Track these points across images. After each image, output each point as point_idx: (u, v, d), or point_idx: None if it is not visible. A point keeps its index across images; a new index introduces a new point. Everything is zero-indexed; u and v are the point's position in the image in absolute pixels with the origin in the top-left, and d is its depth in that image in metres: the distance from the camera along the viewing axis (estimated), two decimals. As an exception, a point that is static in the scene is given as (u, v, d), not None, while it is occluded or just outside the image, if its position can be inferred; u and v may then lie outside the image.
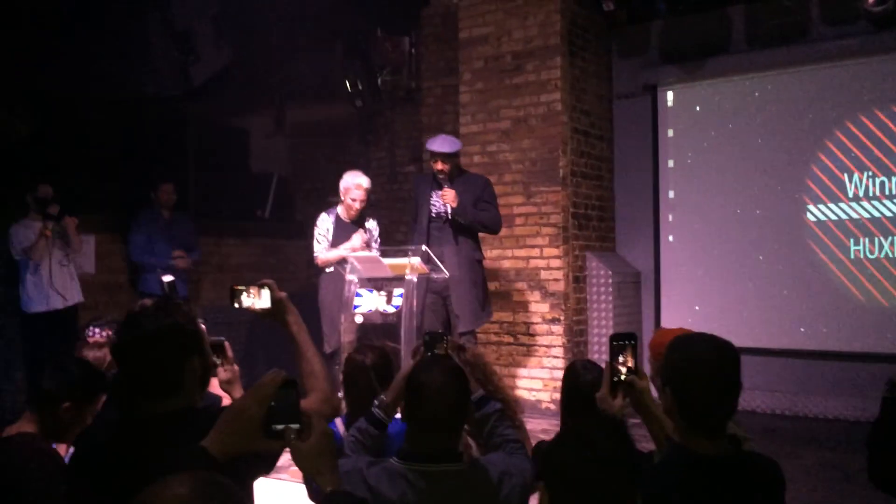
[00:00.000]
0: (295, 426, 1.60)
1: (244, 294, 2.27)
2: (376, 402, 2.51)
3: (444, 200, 5.28)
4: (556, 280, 6.33)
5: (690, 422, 1.94)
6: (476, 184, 5.53)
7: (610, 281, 6.53)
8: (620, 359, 2.19)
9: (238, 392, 2.74)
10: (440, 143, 5.41)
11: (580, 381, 2.89)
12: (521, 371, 6.44)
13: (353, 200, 5.51)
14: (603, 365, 2.31)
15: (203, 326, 2.90)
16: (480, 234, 5.65)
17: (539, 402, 6.31)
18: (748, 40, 6.37)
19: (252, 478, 1.86)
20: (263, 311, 2.25)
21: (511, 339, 6.49)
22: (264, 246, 8.35)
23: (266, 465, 1.83)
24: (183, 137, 7.31)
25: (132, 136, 6.52)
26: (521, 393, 6.41)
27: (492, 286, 6.34)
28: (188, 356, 1.93)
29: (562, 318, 6.29)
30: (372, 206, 8.29)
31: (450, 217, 5.33)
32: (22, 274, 5.92)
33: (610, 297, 6.53)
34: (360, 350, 3.25)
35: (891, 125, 5.86)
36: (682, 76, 6.65)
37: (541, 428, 5.58)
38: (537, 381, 6.35)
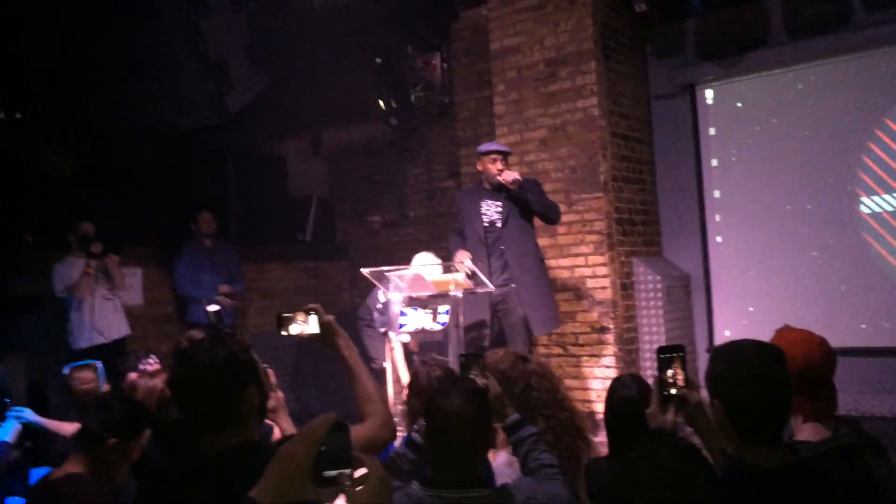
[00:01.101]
0: (347, 471, 1.48)
1: (292, 321, 2.24)
2: (415, 427, 2.45)
3: (506, 179, 5.16)
4: (603, 288, 6.20)
5: (744, 433, 1.86)
6: (531, 182, 5.43)
7: (659, 286, 6.38)
8: (669, 372, 2.11)
9: (284, 420, 2.71)
10: (496, 144, 5.53)
11: (618, 396, 2.80)
12: (574, 383, 6.30)
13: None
14: (649, 377, 2.24)
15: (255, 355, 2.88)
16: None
17: (594, 413, 6.17)
18: (788, 31, 6.20)
19: None
20: (313, 336, 2.22)
21: (561, 351, 6.37)
22: (307, 269, 8.37)
23: None
24: (221, 166, 7.36)
25: (172, 168, 6.59)
26: (575, 404, 6.28)
27: (538, 298, 6.26)
28: (245, 386, 1.90)
29: (611, 326, 6.16)
30: (410, 221, 8.33)
31: (513, 191, 5.17)
32: (68, 311, 6.01)
33: (660, 303, 6.38)
34: (426, 363, 3.18)
35: (944, 109, 5.64)
36: (720, 73, 6.50)
37: (599, 440, 5.46)
38: (591, 393, 6.22)
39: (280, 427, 2.76)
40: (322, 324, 2.22)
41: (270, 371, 2.80)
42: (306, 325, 2.23)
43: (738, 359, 1.90)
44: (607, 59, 6.34)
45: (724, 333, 6.52)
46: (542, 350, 6.37)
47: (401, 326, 5.02)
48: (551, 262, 6.40)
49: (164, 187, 6.63)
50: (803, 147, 6.19)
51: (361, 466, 1.48)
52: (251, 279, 7.59)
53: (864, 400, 5.90)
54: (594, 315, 6.23)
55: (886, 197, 5.88)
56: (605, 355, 6.19)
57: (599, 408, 6.15)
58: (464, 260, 4.99)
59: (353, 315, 6.37)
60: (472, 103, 7.72)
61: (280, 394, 2.76)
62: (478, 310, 5.19)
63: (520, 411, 2.51)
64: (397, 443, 2.94)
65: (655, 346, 6.23)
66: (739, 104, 6.51)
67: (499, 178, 5.22)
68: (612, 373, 6.09)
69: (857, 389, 5.94)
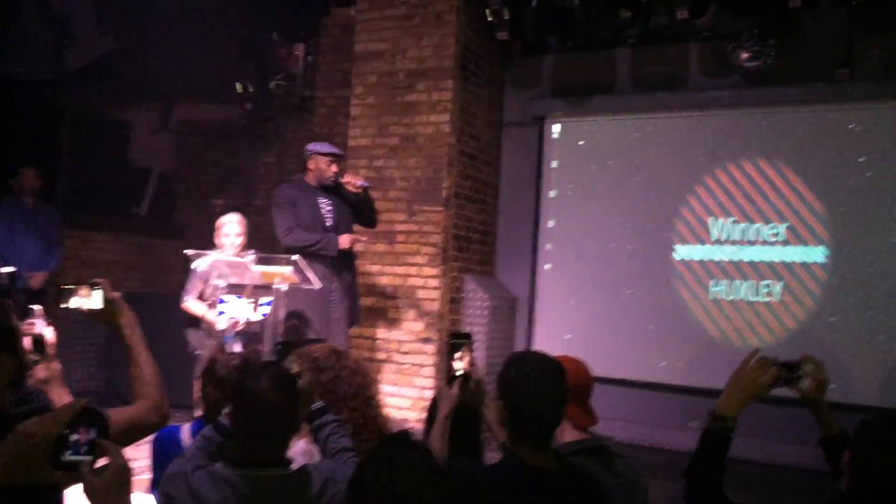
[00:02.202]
0: (89, 458, 1.45)
1: (74, 293, 2.17)
2: (225, 411, 2.45)
3: (353, 183, 5.27)
4: (431, 300, 6.35)
5: (519, 433, 2.10)
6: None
7: (486, 304, 6.60)
8: (457, 354, 2.47)
9: (57, 393, 2.60)
10: (330, 147, 5.52)
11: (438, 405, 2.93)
12: (391, 389, 6.40)
13: (227, 235, 5.32)
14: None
15: (47, 326, 2.74)
16: (357, 248, 5.69)
17: (405, 420, 6.29)
18: (632, 82, 6.64)
19: None
20: (93, 311, 2.16)
21: (384, 356, 6.46)
22: (139, 244, 8.03)
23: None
24: (55, 125, 6.94)
25: (1, 118, 6.15)
26: (390, 411, 6.36)
27: (368, 301, 6.32)
28: None
29: (435, 338, 6.30)
30: (256, 210, 8.16)
31: (360, 197, 5.39)
32: None
33: (485, 321, 6.60)
34: (223, 351, 3.16)
35: (755, 175, 6.21)
36: (568, 110, 6.85)
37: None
38: (406, 400, 6.33)
39: (53, 400, 2.64)
40: (106, 300, 2.16)
41: (47, 339, 2.69)
42: (89, 299, 2.16)
43: (525, 370, 2.13)
44: (465, 80, 6.53)
45: (541, 357, 6.83)
46: (365, 353, 6.43)
47: (220, 313, 4.92)
48: (386, 269, 6.50)
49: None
50: (632, 191, 6.62)
51: (105, 455, 1.47)
52: (73, 247, 7.18)
53: (655, 432, 6.35)
54: (420, 325, 6.36)
55: (697, 247, 6.39)
56: (425, 365, 6.32)
57: (412, 415, 6.30)
58: (357, 237, 5.39)
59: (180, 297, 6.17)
60: (331, 100, 7.70)
61: (56, 364, 2.64)
62: (308, 303, 5.19)
63: (325, 400, 2.57)
64: (184, 429, 2.90)
65: (477, 362, 6.45)
66: (581, 142, 6.88)
67: (336, 179, 5.32)
68: (430, 383, 6.24)
69: (651, 422, 6.39)
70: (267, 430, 2.09)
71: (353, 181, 5.28)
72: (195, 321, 5.35)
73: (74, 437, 1.44)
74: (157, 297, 7.52)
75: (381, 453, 1.60)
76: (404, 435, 1.67)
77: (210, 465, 2.13)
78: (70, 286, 2.18)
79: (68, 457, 1.44)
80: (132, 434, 2.14)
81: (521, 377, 2.12)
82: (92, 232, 7.53)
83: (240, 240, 5.32)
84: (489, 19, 6.36)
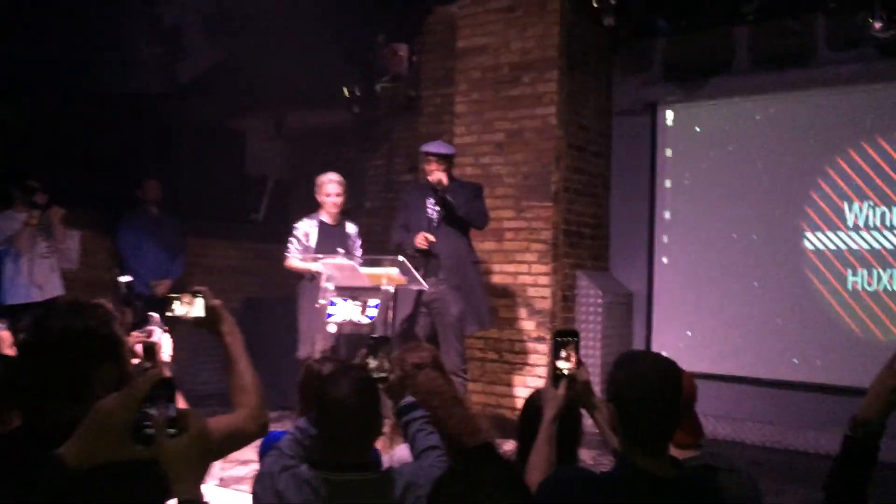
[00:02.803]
0: (171, 430, 1.43)
1: (177, 302, 2.19)
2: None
3: (432, 179, 5.20)
4: (543, 298, 6.17)
5: (632, 437, 1.96)
6: (469, 187, 5.48)
7: (600, 301, 6.37)
8: (563, 353, 2.32)
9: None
10: (436, 146, 5.44)
11: (536, 407, 2.80)
12: (504, 389, 6.28)
13: (328, 195, 5.55)
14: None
15: (164, 334, 2.79)
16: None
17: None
18: (752, 61, 6.22)
19: None
20: (197, 319, 2.17)
21: (495, 356, 6.34)
22: (256, 250, 8.25)
23: None
24: (174, 137, 7.22)
25: (120, 133, 6.45)
26: (503, 412, 6.25)
27: (478, 301, 6.21)
28: (99, 362, 1.82)
29: (547, 336, 6.12)
30: (366, 212, 8.24)
31: (440, 201, 5.24)
32: (2, 264, 5.86)
33: (599, 318, 6.37)
34: (320, 360, 3.17)
35: (893, 154, 5.68)
36: (683, 95, 6.50)
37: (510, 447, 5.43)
38: (520, 401, 6.17)
39: None
40: (208, 308, 2.16)
41: (159, 345, 2.72)
42: (191, 307, 2.18)
43: (637, 369, 1.99)
44: (571, 70, 6.31)
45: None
46: (477, 354, 6.33)
47: (328, 316, 4.94)
48: (495, 267, 6.37)
49: (113, 153, 6.48)
50: (755, 177, 6.20)
51: (185, 425, 1.44)
52: (195, 254, 7.46)
53: (788, 434, 5.93)
54: (532, 324, 6.20)
55: (830, 234, 5.91)
56: (538, 365, 6.16)
57: (527, 417, 6.15)
58: (427, 236, 5.11)
59: (294, 299, 6.29)
60: (437, 99, 7.66)
61: (167, 372, 2.68)
62: (404, 305, 5.15)
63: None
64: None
65: (591, 361, 6.23)
66: (698, 128, 6.52)
67: (438, 179, 5.21)
68: (544, 383, 6.07)
69: (784, 423, 5.97)
70: (347, 434, 2.11)
71: (433, 180, 5.20)
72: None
73: (153, 410, 1.43)
74: (274, 302, 7.72)
75: (464, 467, 1.48)
76: (489, 448, 1.55)
77: (296, 467, 2.15)
78: (174, 295, 2.19)
79: (148, 431, 1.43)
80: (231, 443, 2.12)
81: (632, 378, 1.98)
82: (212, 239, 7.80)
83: (340, 199, 5.60)
84: (594, 5, 6.11)
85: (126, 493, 1.59)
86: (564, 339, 2.36)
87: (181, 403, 2.67)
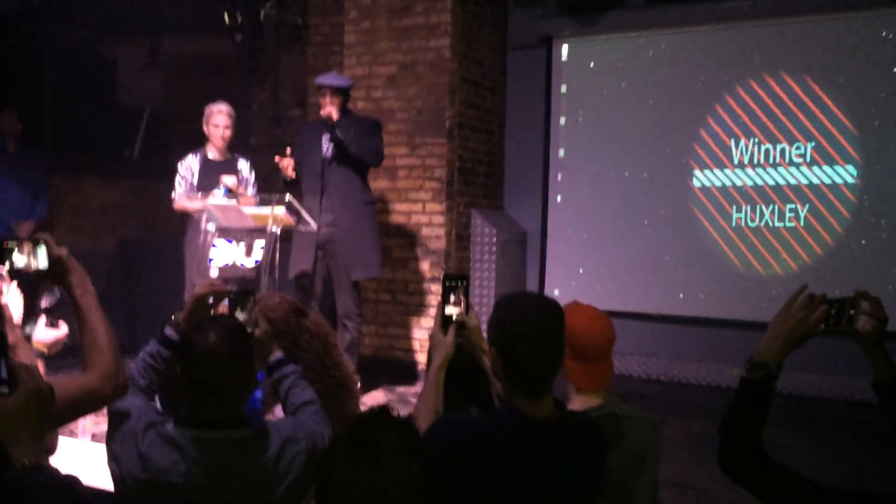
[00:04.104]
0: (2, 389, 1.39)
1: (15, 252, 1.92)
2: (169, 322, 2.25)
3: (323, 114, 4.93)
4: (437, 237, 6.05)
5: (514, 381, 1.90)
6: (364, 122, 5.18)
7: (494, 240, 6.30)
8: (452, 298, 2.23)
9: (26, 357, 2.36)
10: (329, 78, 5.11)
11: (453, 359, 2.70)
12: (399, 331, 6.17)
13: (216, 126, 5.19)
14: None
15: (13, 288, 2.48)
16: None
17: (415, 364, 6.07)
18: (646, -5, 6.17)
19: None
20: (40, 271, 1.91)
21: (389, 298, 6.20)
22: (132, 188, 7.72)
23: None
24: (35, 64, 6.57)
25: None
26: (397, 353, 6.16)
27: (370, 241, 6.03)
28: None
29: (441, 277, 6.02)
30: (251, 149, 7.83)
31: (332, 141, 4.96)
32: None
33: (493, 258, 6.31)
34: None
35: (779, 91, 5.79)
36: (578, 29, 6.39)
37: (415, 392, 5.36)
38: (414, 342, 6.10)
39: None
40: (52, 258, 1.90)
41: (11, 302, 2.44)
42: (33, 258, 1.91)
43: (518, 311, 1.93)
44: (465, 0, 6.07)
45: (554, 292, 6.57)
46: (370, 296, 6.18)
47: (210, 260, 4.65)
48: (389, 207, 6.18)
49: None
50: (647, 115, 6.22)
51: (17, 383, 1.39)
52: (64, 192, 6.90)
53: (672, 366, 6.12)
54: (426, 264, 6.08)
55: (717, 172, 6.02)
56: (433, 306, 6.06)
57: (423, 358, 6.08)
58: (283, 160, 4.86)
59: (181, 241, 5.91)
60: (326, 28, 7.28)
61: (18, 331, 2.39)
62: (305, 249, 4.92)
63: None
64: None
65: (485, 301, 6.19)
66: (592, 64, 6.45)
67: (321, 113, 4.94)
68: (431, 329, 5.99)
69: (668, 356, 6.15)
70: (217, 387, 1.91)
71: (323, 115, 4.93)
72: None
73: None
74: (154, 242, 7.27)
75: (358, 435, 1.33)
76: (384, 411, 1.40)
77: (162, 425, 1.95)
78: (11, 245, 1.92)
79: None
80: (83, 406, 1.90)
81: (511, 319, 1.91)
82: (82, 176, 7.23)
83: (228, 132, 5.28)
84: (490, -69, 5.88)
85: None
86: (453, 283, 2.25)
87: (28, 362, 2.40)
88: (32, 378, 1.41)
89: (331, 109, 4.91)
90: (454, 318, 2.21)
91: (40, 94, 6.69)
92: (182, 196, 5.13)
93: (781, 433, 4.33)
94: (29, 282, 2.30)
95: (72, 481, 1.32)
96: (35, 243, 1.91)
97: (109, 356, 1.91)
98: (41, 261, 1.91)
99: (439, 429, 1.92)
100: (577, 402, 2.25)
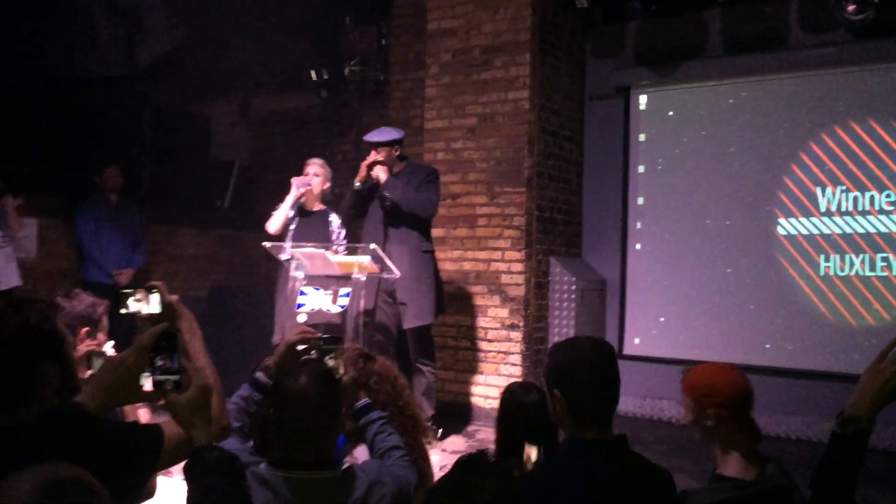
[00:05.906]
0: (174, 378, 1.67)
1: (130, 298, 2.06)
2: (260, 366, 2.38)
3: (373, 174, 5.06)
4: (516, 285, 6.09)
5: (582, 417, 2.02)
6: (421, 172, 5.26)
7: (573, 288, 6.30)
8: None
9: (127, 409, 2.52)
10: (371, 134, 5.28)
11: (517, 401, 2.76)
12: (478, 378, 6.20)
13: (307, 175, 5.40)
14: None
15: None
16: (436, 232, 5.43)
17: (493, 409, 6.06)
18: (725, 45, 6.17)
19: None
20: (152, 316, 2.05)
21: (468, 344, 6.25)
22: (222, 237, 8.07)
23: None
24: (135, 121, 6.99)
25: (78, 118, 6.21)
26: (476, 400, 6.18)
27: (451, 288, 6.12)
28: (41, 362, 1.69)
29: (521, 324, 6.05)
30: (335, 197, 8.08)
31: (379, 194, 5.08)
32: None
33: (572, 305, 6.30)
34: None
35: (866, 138, 5.67)
36: (656, 79, 6.43)
37: (493, 438, 5.35)
38: (493, 389, 6.11)
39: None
40: (164, 304, 2.04)
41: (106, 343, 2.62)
42: (146, 303, 2.05)
43: (575, 353, 2.08)
44: (544, 53, 6.21)
45: (634, 341, 6.50)
46: (450, 342, 6.25)
47: (299, 306, 4.80)
48: (468, 254, 6.28)
49: (71, 138, 6.25)
50: (728, 162, 6.17)
51: (189, 378, 1.69)
52: (159, 241, 7.26)
53: (760, 419, 5.89)
54: (505, 311, 6.12)
55: (803, 220, 5.90)
56: (512, 353, 6.09)
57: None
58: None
59: (270, 288, 6.13)
60: (407, 84, 7.52)
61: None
62: (367, 295, 5.03)
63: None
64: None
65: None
66: (671, 112, 6.46)
67: (371, 174, 5.09)
68: (518, 371, 6.01)
69: (756, 409, 5.96)
70: (306, 429, 2.00)
71: (374, 174, 5.08)
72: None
73: (159, 361, 1.69)
74: (243, 289, 7.55)
75: (458, 480, 1.39)
76: (481, 456, 1.45)
77: (254, 466, 2.04)
78: (128, 290, 2.06)
79: (156, 377, 1.69)
80: (188, 448, 2.00)
81: (570, 359, 2.06)
82: (177, 227, 7.60)
83: (318, 179, 5.45)
84: (567, -13, 6.02)
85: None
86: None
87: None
88: (197, 373, 1.68)
89: (377, 172, 5.03)
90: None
91: (140, 149, 7.10)
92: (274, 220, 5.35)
93: (876, 490, 4.16)
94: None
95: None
96: (149, 290, 2.05)
97: (215, 398, 2.01)
98: (154, 306, 2.05)
99: (536, 475, 2.01)
100: (733, 468, 2.23)
